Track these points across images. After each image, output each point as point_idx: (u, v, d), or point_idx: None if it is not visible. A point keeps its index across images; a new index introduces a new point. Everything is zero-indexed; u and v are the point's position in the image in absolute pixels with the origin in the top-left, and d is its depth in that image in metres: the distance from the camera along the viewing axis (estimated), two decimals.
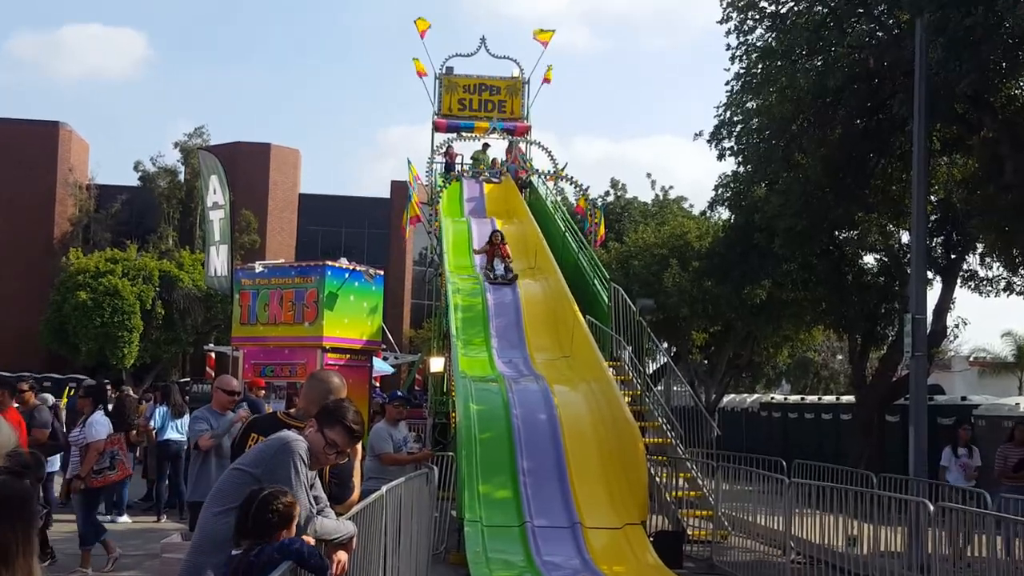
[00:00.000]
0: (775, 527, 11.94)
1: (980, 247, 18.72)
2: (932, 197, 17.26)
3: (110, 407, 14.87)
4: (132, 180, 48.28)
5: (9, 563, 1.87)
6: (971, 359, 51.35)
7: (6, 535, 1.89)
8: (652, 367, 21.59)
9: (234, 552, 4.16)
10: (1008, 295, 19.68)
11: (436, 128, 26.64)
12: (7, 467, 1.98)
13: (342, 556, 4.74)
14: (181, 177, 47.31)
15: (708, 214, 28.34)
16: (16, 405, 10.16)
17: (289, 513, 4.17)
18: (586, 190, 23.18)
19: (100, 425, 10.75)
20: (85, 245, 44.69)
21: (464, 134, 26.07)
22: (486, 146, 26.23)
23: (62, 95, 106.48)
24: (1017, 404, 19.30)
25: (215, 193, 23.00)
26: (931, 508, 9.13)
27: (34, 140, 46.53)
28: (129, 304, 38.13)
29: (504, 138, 26.27)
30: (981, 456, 14.90)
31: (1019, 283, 18.83)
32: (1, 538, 1.88)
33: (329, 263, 16.99)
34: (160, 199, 46.58)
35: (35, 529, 1.99)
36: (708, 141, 19.02)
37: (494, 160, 25.90)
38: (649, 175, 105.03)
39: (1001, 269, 19.16)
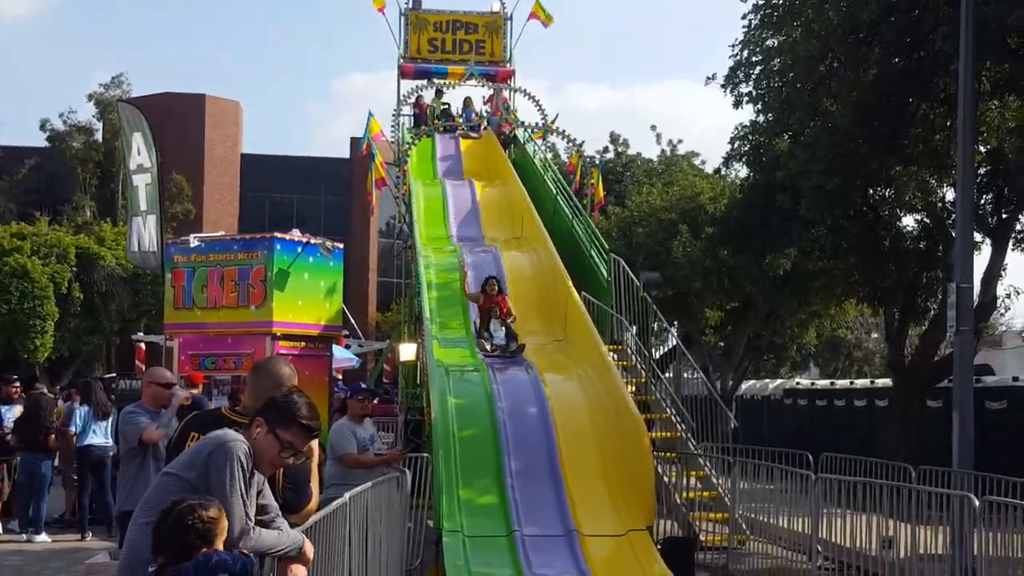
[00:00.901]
0: (800, 530, 12.05)
1: None
2: (981, 147, 17.31)
3: (14, 409, 14.86)
4: (39, 141, 47.76)
5: None
6: (1023, 334, 51.70)
7: None
8: (660, 351, 21.64)
9: (150, 569, 4.17)
10: None
11: (402, 74, 26.46)
12: None
13: (299, 571, 4.78)
14: (98, 136, 46.59)
15: (723, 172, 28.38)
16: None
17: (210, 530, 4.12)
18: (580, 145, 23.17)
19: None
20: None
21: (436, 80, 25.82)
22: (468, 100, 25.91)
23: None
24: None
25: (139, 154, 22.77)
26: (976, 504, 9.21)
27: None
28: (41, 287, 37.68)
29: (483, 85, 26.11)
30: None
31: None
32: None
33: (278, 235, 16.92)
34: (74, 162, 45.83)
35: None
36: (722, 86, 19.08)
37: (466, 100, 25.65)
38: (654, 127, 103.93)
39: None
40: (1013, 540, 8.81)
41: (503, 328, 14.72)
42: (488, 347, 14.52)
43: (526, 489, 12.30)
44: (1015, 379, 22.58)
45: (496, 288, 14.84)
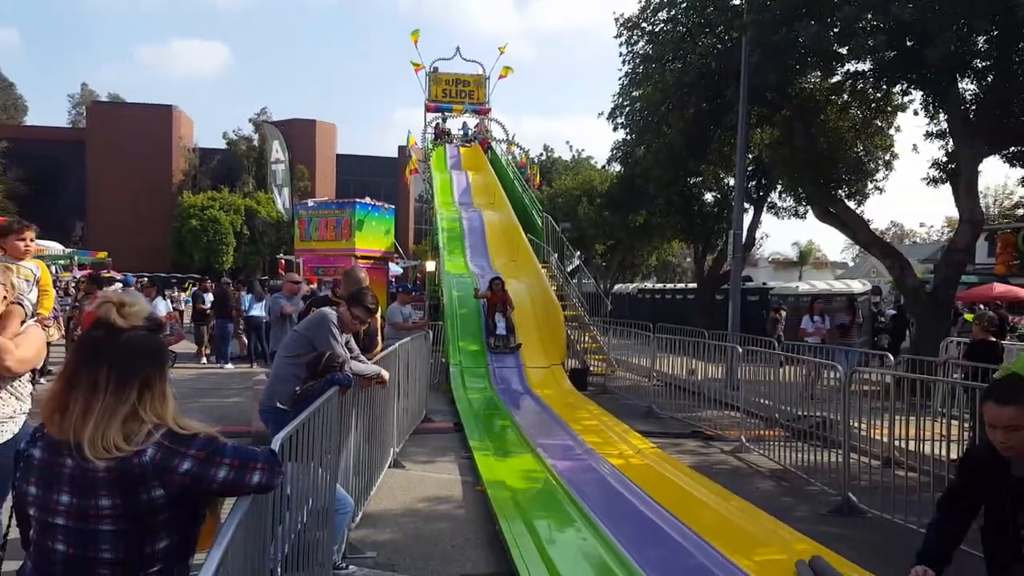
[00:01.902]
0: (644, 364, 12.23)
1: (779, 187, 18.92)
2: (749, 155, 17.28)
3: (209, 296, 14.74)
4: (221, 144, 47.36)
5: (152, 388, 1.88)
6: (769, 259, 52.23)
7: (150, 371, 1.89)
8: (569, 267, 21.80)
9: (297, 389, 4.19)
10: (794, 219, 20.13)
11: (427, 109, 25.86)
12: (148, 326, 1.96)
13: (384, 375, 4.87)
14: (255, 143, 46.34)
15: (607, 167, 28.15)
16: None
17: (342, 364, 4.22)
18: (528, 151, 22.91)
19: (161, 305, 12.07)
20: (193, 189, 43.88)
21: (446, 114, 25.52)
22: (464, 124, 25.62)
23: (175, 87, 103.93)
24: (796, 287, 19.79)
25: (277, 152, 22.42)
26: (739, 350, 9.40)
27: (157, 118, 45.36)
28: (225, 228, 37.67)
29: (473, 116, 25.72)
30: (778, 321, 15.31)
31: (802, 211, 19.14)
32: (148, 373, 1.88)
33: (358, 200, 16.75)
34: (241, 158, 45.63)
35: (167, 366, 2.00)
36: (607, 119, 18.80)
37: (464, 124, 25.32)
38: (568, 142, 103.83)
39: (791, 202, 19.46)
40: (758, 370, 8.99)
41: (504, 320, 11.89)
42: (492, 341, 11.82)
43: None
44: (764, 283, 22.90)
45: (500, 285, 12.26)
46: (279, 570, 2.80)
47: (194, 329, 14.94)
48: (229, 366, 13.65)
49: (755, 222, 19.65)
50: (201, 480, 1.83)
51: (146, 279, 18.00)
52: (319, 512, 3.67)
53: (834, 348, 10.66)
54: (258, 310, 13.58)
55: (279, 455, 2.69)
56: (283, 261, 23.80)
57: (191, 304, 15.49)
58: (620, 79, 18.02)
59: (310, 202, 17.83)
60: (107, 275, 16.20)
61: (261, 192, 42.35)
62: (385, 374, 4.83)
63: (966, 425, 6.74)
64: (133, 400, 1.84)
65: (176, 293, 20.54)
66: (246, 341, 14.38)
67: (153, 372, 1.90)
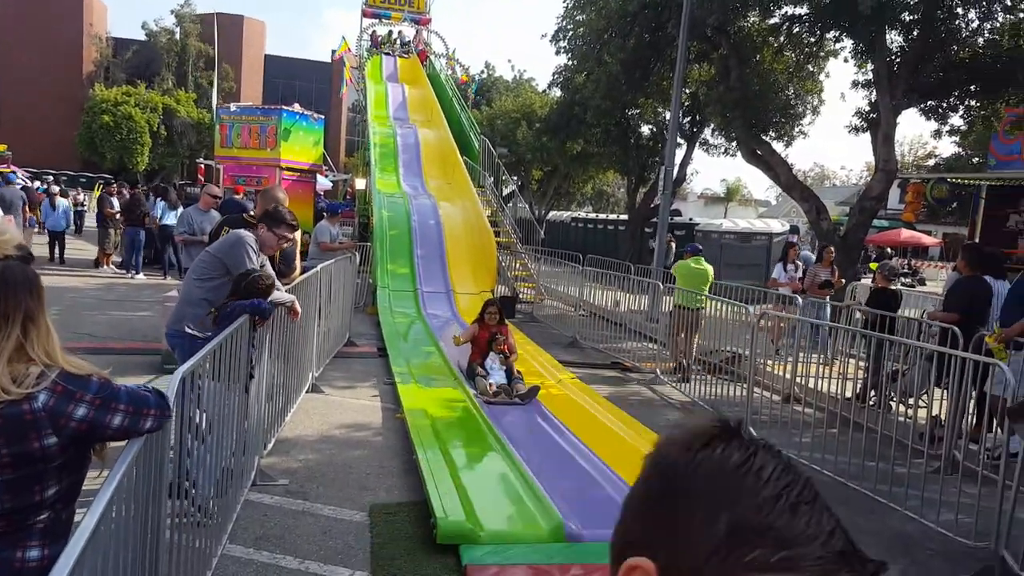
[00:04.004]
0: (572, 294, 12.39)
1: (712, 125, 18.99)
2: (686, 91, 17.19)
3: (115, 201, 13.85)
4: (140, 36, 43.66)
5: (36, 322, 1.76)
6: (699, 195, 53.31)
7: (31, 304, 1.76)
8: (505, 192, 21.51)
9: (211, 310, 3.98)
10: (725, 155, 20.38)
11: (364, 14, 24.43)
12: (20, 255, 1.81)
13: (296, 310, 4.64)
14: (177, 36, 42.87)
15: (547, 92, 27.55)
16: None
17: (270, 287, 4.05)
18: (468, 68, 22.08)
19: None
20: (106, 82, 40.53)
21: (384, 21, 24.08)
22: (401, 33, 24.23)
23: None
24: (721, 223, 20.25)
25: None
26: (661, 286, 9.60)
27: (64, 1, 40.95)
28: (140, 127, 35.33)
29: (412, 26, 24.44)
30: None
31: (732, 149, 19.37)
32: (28, 305, 1.76)
33: (285, 107, 15.86)
34: (161, 51, 42.15)
35: (43, 298, 1.83)
36: (551, 41, 18.28)
37: (398, 35, 24.00)
38: (509, 60, 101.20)
39: (722, 139, 19.61)
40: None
41: (504, 367, 6.95)
42: (490, 389, 6.62)
43: (425, 265, 12.24)
44: (691, 219, 23.35)
45: (496, 317, 7.28)
46: (177, 500, 2.69)
47: (99, 234, 14.08)
48: (140, 276, 13.01)
49: (687, 158, 19.82)
50: (96, 427, 1.76)
51: (51, 177, 16.74)
52: (232, 439, 3.55)
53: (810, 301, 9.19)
54: (172, 219, 12.89)
55: (181, 388, 2.59)
56: (202, 167, 22.56)
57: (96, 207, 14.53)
58: (565, 2, 17.41)
59: (233, 106, 16.65)
60: (7, 169, 14.96)
61: (181, 90, 39.55)
62: (297, 306, 4.62)
63: (862, 366, 7.18)
64: (17, 335, 1.72)
65: (80, 195, 19.25)
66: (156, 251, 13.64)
67: (34, 305, 1.77)
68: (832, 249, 10.08)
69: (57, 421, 1.70)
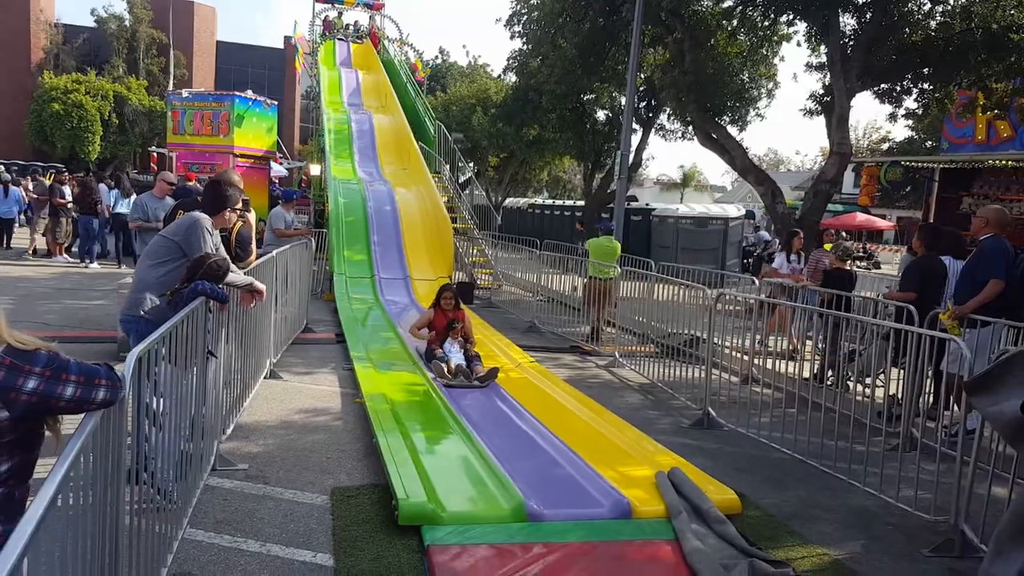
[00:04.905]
0: (530, 280, 12.47)
1: (667, 110, 19.24)
2: (641, 75, 17.37)
3: (67, 190, 13.49)
4: (90, 22, 41.80)
5: None
6: (656, 180, 54.04)
7: None
8: (462, 179, 21.37)
9: (165, 293, 3.92)
10: (682, 140, 20.71)
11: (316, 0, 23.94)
12: None
13: (258, 286, 4.56)
14: (127, 23, 41.32)
15: (502, 77, 27.44)
16: None
17: (225, 272, 4.00)
18: (422, 54, 21.87)
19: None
20: (56, 70, 38.97)
21: (336, 6, 23.65)
22: (356, 21, 23.92)
23: None
24: (677, 208, 20.59)
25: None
26: (619, 270, 9.73)
27: None
28: (91, 115, 34.19)
29: (366, 11, 24.04)
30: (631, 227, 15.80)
31: (688, 134, 19.67)
32: None
33: (238, 93, 15.55)
34: (111, 38, 40.60)
35: None
36: (504, 25, 18.20)
37: (356, 21, 23.66)
38: (464, 46, 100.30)
39: (678, 125, 19.91)
40: (634, 288, 9.36)
41: (462, 350, 7.00)
42: (447, 370, 6.60)
43: (382, 252, 12.19)
44: (647, 204, 23.65)
45: (452, 301, 7.29)
46: (136, 485, 2.67)
47: (50, 224, 13.70)
48: (94, 265, 12.67)
49: (643, 143, 20.08)
50: (48, 398, 1.77)
51: (1, 167, 16.12)
52: (188, 422, 3.52)
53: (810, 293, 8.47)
54: (125, 207, 12.50)
55: (137, 368, 2.57)
56: (155, 155, 21.93)
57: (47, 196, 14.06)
58: None
59: (184, 92, 16.24)
60: None
61: (132, 78, 38.28)
62: (259, 285, 4.56)
63: (819, 347, 7.41)
64: None
65: (29, 183, 18.56)
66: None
67: None
68: (802, 235, 9.71)
69: (7, 395, 1.71)
